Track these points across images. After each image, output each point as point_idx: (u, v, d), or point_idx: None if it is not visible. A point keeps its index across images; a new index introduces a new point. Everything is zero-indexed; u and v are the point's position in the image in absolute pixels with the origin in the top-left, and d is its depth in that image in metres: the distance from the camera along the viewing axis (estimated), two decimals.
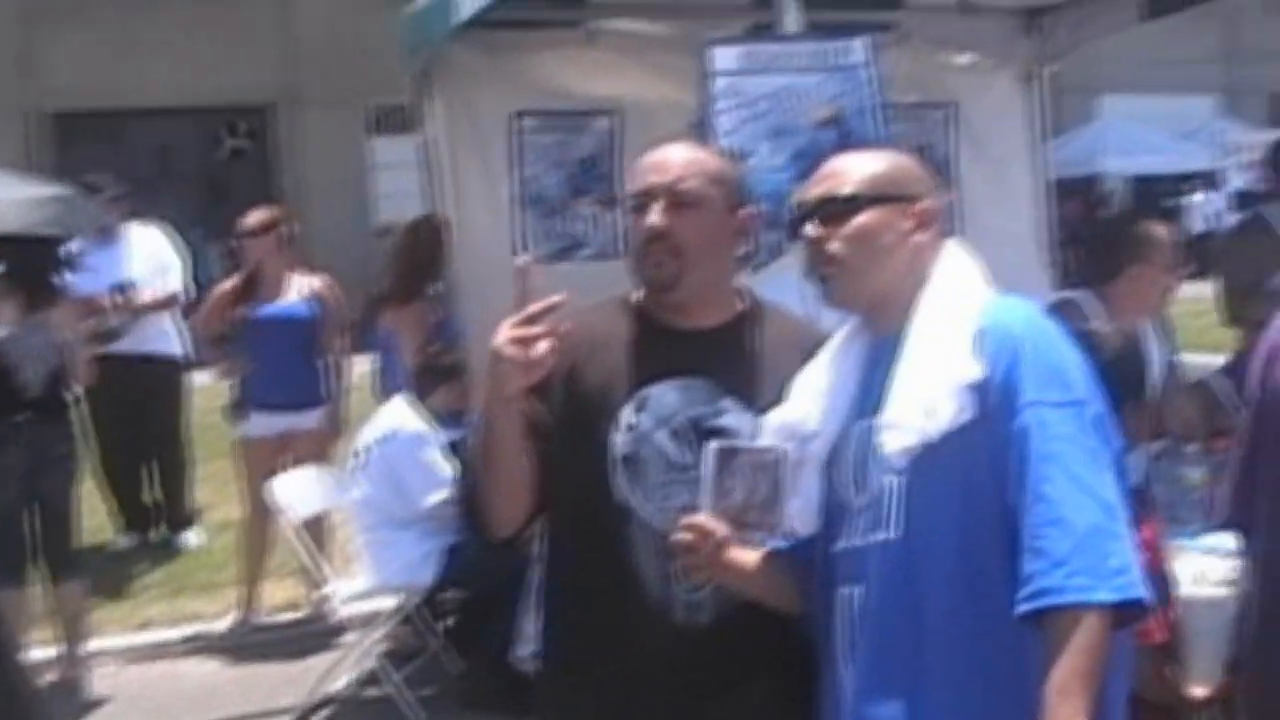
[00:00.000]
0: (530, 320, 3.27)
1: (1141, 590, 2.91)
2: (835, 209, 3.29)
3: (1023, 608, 2.90)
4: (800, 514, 3.32)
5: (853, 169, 3.36)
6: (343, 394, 9.45)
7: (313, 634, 9.07)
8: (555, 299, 3.29)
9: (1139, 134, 34.61)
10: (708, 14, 8.76)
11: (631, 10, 8.71)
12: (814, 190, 3.37)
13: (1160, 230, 6.19)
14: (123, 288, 10.45)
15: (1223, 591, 4.52)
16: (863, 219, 3.27)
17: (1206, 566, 4.68)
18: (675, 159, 3.61)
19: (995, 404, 3.03)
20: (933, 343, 3.14)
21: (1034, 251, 9.28)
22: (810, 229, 3.32)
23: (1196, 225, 31.48)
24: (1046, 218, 9.72)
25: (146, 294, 10.67)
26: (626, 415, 3.52)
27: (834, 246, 3.27)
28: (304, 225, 9.61)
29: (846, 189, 3.30)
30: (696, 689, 3.51)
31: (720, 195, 3.60)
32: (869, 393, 3.27)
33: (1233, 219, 32.31)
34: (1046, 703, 2.84)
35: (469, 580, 7.87)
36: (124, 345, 10.50)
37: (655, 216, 3.52)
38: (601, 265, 8.53)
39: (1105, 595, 2.87)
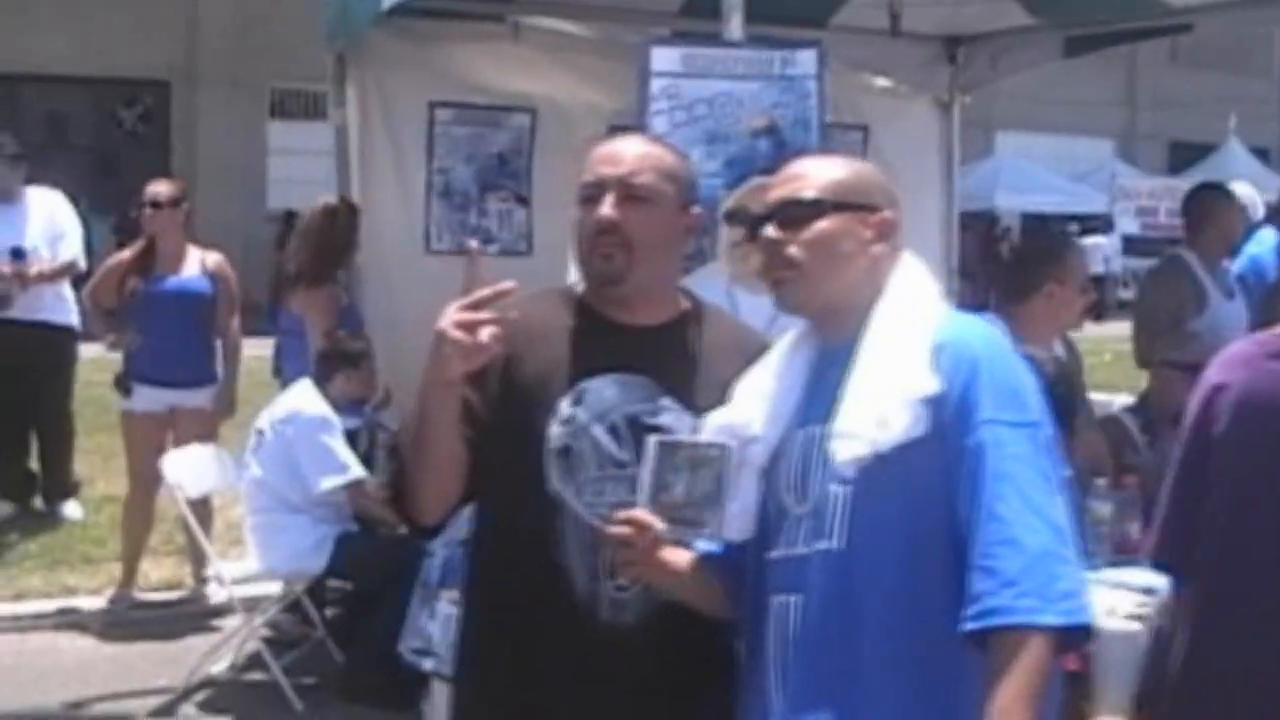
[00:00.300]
0: (477, 305, 3.20)
1: (1088, 615, 2.91)
2: (797, 212, 3.23)
3: (969, 626, 2.88)
4: (737, 518, 3.24)
5: (816, 173, 3.30)
6: (235, 375, 9.32)
7: (191, 614, 8.95)
8: (505, 285, 3.21)
9: (1033, 172, 34.96)
10: (636, 18, 8.77)
11: (560, 9, 8.69)
12: (775, 192, 3.31)
13: (1075, 251, 6.26)
14: (18, 252, 10.19)
15: (1134, 625, 4.54)
16: (824, 224, 3.21)
17: (1116, 600, 4.68)
18: (629, 152, 3.56)
19: (950, 419, 3.00)
20: (888, 354, 3.10)
21: (942, 279, 9.30)
22: (770, 231, 3.25)
23: (1092, 267, 31.81)
24: (953, 247, 9.80)
25: (44, 262, 10.38)
26: (564, 407, 3.46)
27: (793, 250, 3.21)
28: (191, 204, 9.43)
29: (810, 193, 3.24)
30: (614, 689, 3.45)
31: (673, 191, 3.55)
32: (814, 401, 3.22)
33: (1118, 263, 32.93)
34: None
35: (355, 571, 7.78)
36: (17, 311, 10.23)
37: (607, 209, 3.45)
38: (508, 261, 8.50)
39: (1052, 618, 2.85)
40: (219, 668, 7.84)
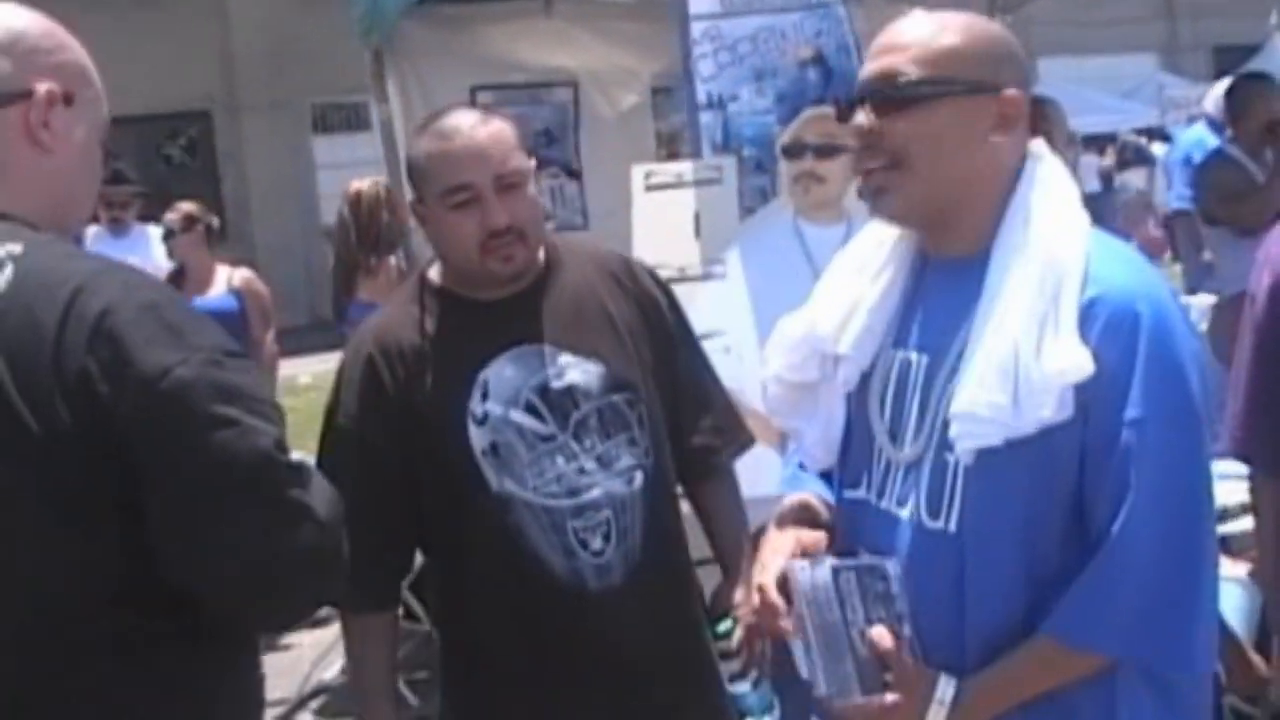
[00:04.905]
0: None
1: (1195, 665, 2.60)
2: (897, 93, 2.61)
3: (1053, 629, 2.57)
4: (818, 447, 2.95)
5: (922, 39, 2.64)
6: (272, 393, 9.23)
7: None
8: None
9: (1081, 94, 34.54)
10: None
11: None
12: (871, 66, 2.69)
13: (1055, 108, 6.35)
14: None
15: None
16: (931, 109, 2.60)
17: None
18: (486, 146, 3.41)
19: (1099, 398, 2.51)
20: (1028, 307, 2.52)
21: None
22: (862, 117, 2.65)
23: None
24: None
25: None
26: (474, 406, 3.40)
27: (892, 141, 2.61)
28: (248, 229, 9.38)
29: (911, 68, 2.61)
30: (619, 649, 3.46)
31: (530, 165, 3.48)
32: (914, 319, 2.75)
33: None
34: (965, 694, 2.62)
35: None
36: None
37: (496, 215, 3.36)
38: (566, 237, 8.44)
39: (1148, 656, 2.58)
40: (330, 673, 7.82)
